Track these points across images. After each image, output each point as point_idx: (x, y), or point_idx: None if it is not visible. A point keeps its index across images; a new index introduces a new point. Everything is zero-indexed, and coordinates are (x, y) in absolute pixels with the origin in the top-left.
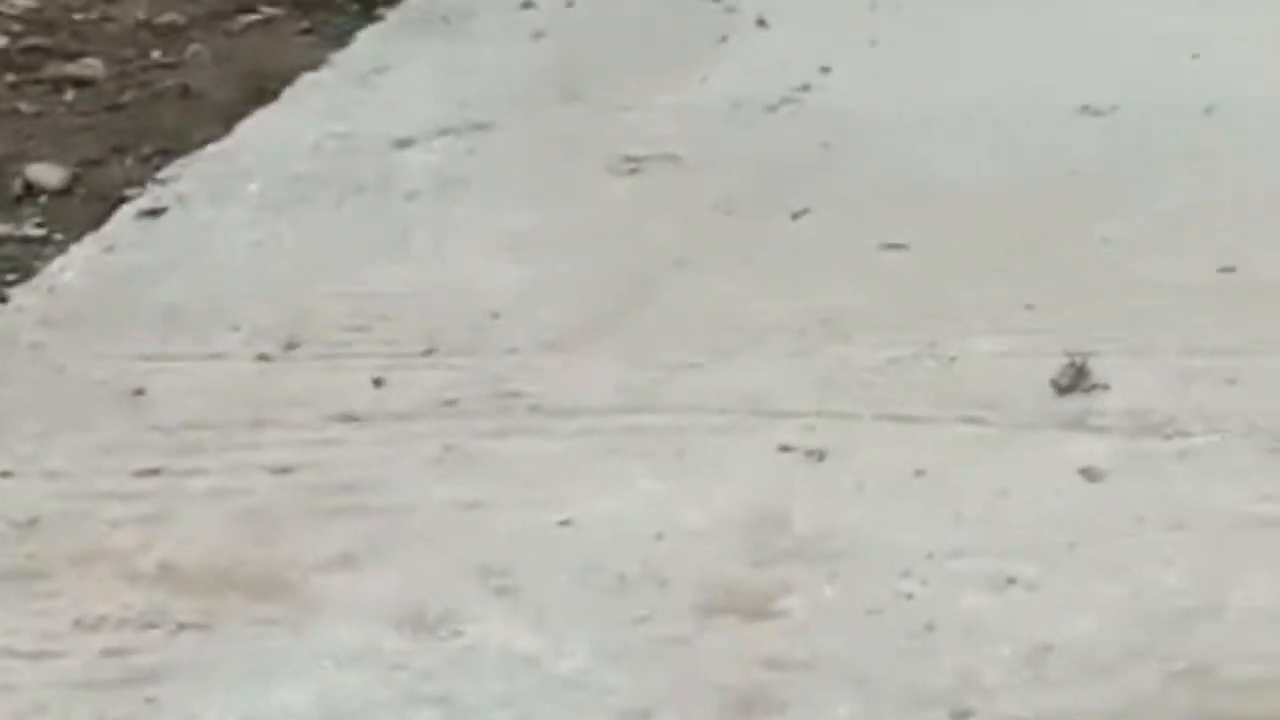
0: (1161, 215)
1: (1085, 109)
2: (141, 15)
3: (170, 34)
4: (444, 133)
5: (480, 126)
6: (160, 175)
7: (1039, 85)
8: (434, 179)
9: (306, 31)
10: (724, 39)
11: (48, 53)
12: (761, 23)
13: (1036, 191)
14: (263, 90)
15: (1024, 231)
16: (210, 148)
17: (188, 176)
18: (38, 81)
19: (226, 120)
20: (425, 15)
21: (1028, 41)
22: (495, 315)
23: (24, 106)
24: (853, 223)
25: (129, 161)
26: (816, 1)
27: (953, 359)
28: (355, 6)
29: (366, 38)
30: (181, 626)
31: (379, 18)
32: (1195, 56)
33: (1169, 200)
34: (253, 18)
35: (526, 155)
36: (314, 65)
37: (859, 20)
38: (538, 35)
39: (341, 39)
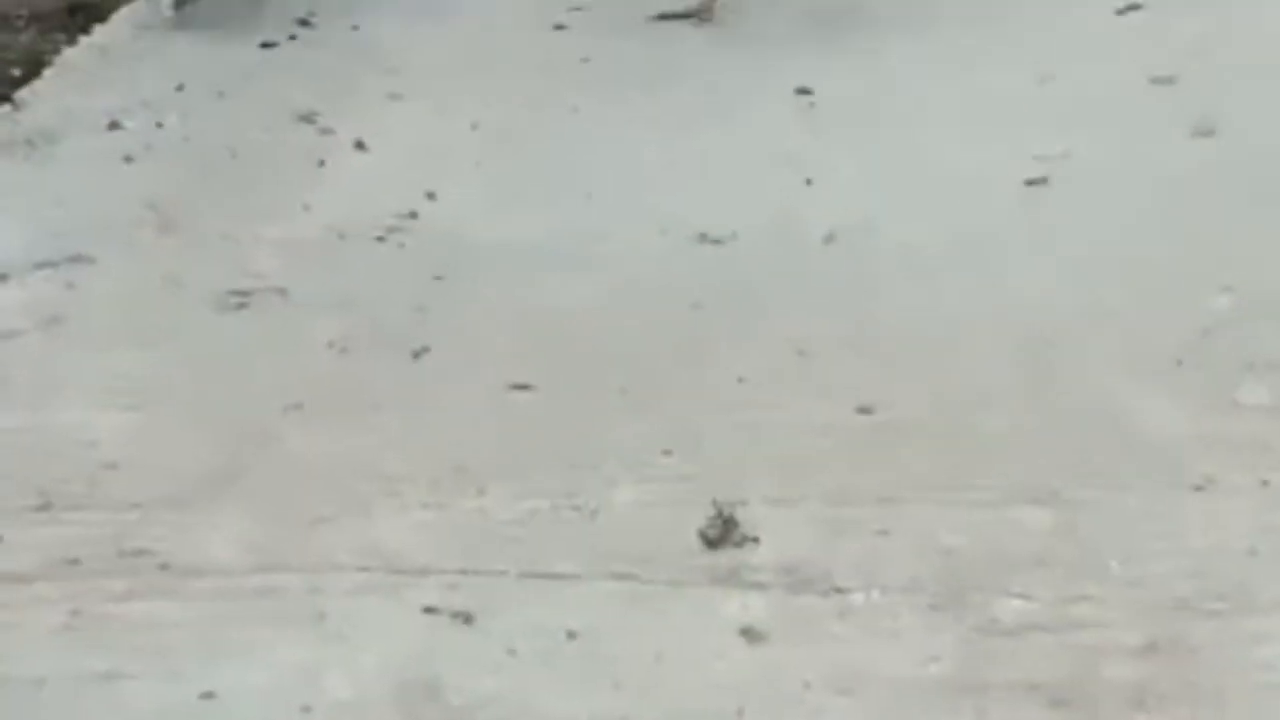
0: (790, 351)
1: (703, 237)
2: None
3: None
4: (40, 266)
5: (77, 259)
6: None
7: (653, 211)
8: (33, 317)
9: None
10: (322, 163)
11: None
12: (360, 145)
13: (660, 325)
14: None
15: (652, 369)
16: None
17: None
18: None
19: None
20: (7, 138)
21: (637, 165)
22: (111, 466)
23: None
24: (475, 361)
25: None
26: (414, 123)
27: (595, 511)
28: None
29: None
30: None
31: None
32: (809, 182)
33: (796, 335)
34: None
35: (128, 290)
36: None
37: (459, 143)
38: (128, 159)
39: None
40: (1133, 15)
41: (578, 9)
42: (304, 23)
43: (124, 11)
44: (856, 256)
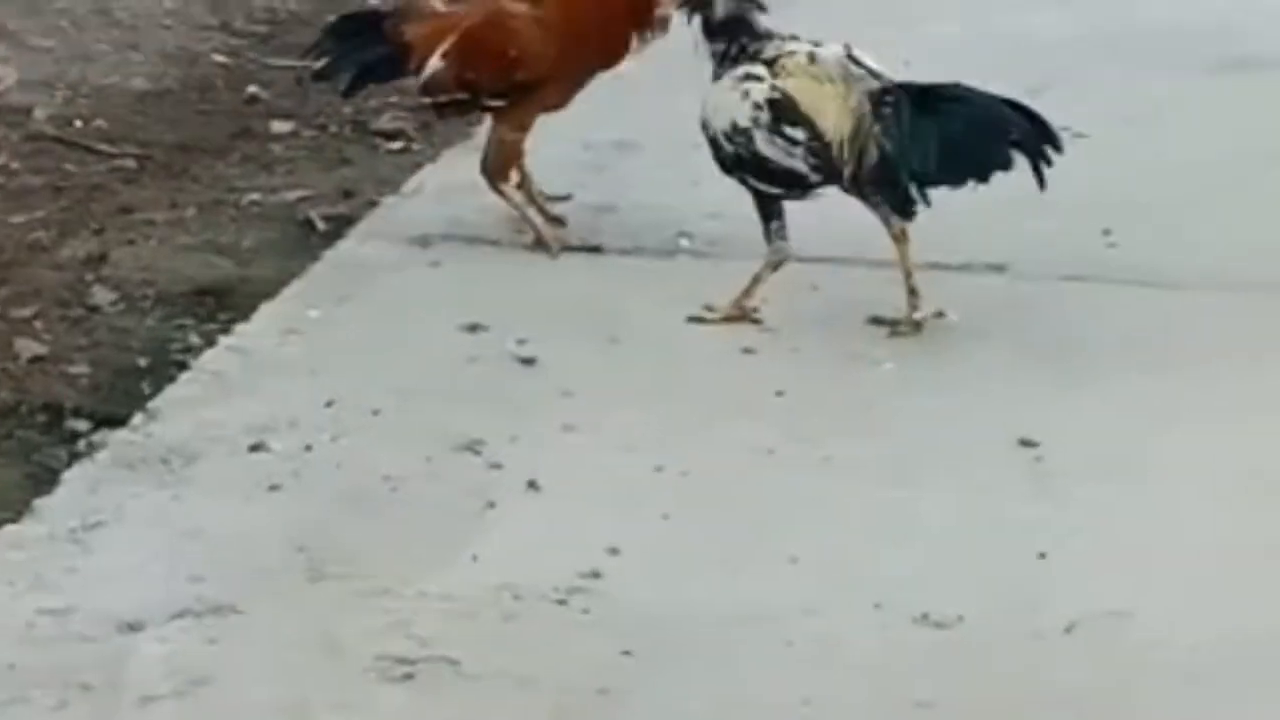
0: None
1: (924, 618)
2: None
3: None
4: (179, 615)
5: (220, 610)
6: None
7: (865, 582)
8: (172, 678)
9: None
10: (491, 505)
11: None
12: (533, 485)
13: None
14: None
15: None
16: None
17: None
18: None
19: None
20: (141, 454)
21: (844, 524)
22: None
23: None
24: None
25: None
26: (592, 461)
27: None
28: (41, 418)
29: (73, 480)
30: None
31: (70, 435)
32: (1043, 556)
33: None
34: None
35: (279, 650)
36: (11, 511)
37: (644, 488)
38: (273, 488)
39: (27, 463)
40: None
41: (769, 330)
42: (471, 329)
43: (266, 310)
44: (1106, 652)
